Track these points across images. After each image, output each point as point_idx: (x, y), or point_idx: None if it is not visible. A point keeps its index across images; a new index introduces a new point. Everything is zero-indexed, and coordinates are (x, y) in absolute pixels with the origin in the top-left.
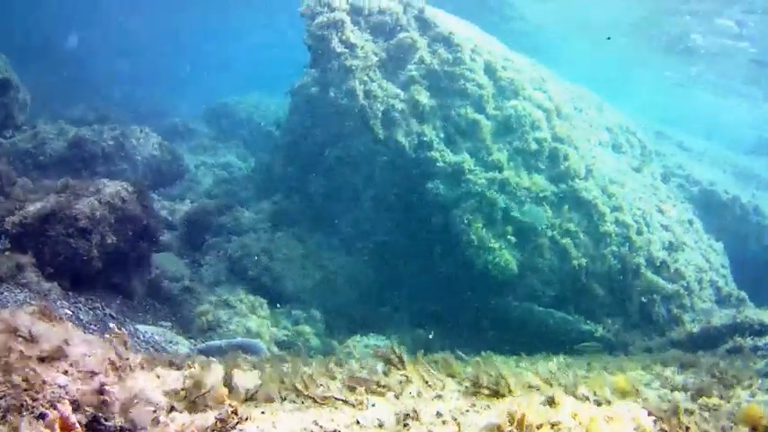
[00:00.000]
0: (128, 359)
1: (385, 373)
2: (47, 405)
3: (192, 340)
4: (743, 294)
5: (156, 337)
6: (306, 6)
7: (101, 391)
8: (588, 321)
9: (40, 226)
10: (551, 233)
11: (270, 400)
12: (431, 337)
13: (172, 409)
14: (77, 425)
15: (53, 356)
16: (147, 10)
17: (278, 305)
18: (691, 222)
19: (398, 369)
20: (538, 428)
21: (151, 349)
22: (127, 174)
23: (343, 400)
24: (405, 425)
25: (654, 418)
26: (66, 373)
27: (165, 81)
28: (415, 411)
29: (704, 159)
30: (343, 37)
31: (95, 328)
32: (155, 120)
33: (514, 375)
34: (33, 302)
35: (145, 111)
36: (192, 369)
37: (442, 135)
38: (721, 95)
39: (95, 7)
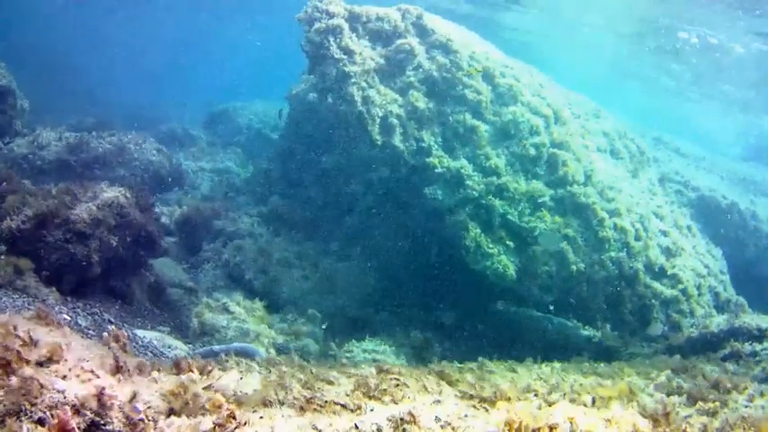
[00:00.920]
0: (126, 363)
1: (382, 378)
2: (46, 410)
3: (191, 345)
4: (741, 300)
5: (155, 342)
6: (304, 12)
7: (99, 395)
8: (586, 326)
9: (38, 231)
10: None
11: (268, 404)
12: (428, 340)
13: (170, 412)
14: (76, 429)
15: (52, 361)
16: (148, 18)
17: (276, 310)
18: (689, 228)
19: (394, 375)
20: None
21: (149, 354)
22: (125, 179)
23: (341, 405)
24: (403, 430)
25: (650, 421)
26: (64, 377)
27: (164, 88)
28: (412, 416)
29: (702, 165)
30: (342, 43)
31: (94, 333)
32: (154, 126)
33: (511, 381)
34: (31, 307)
35: (144, 117)
36: (190, 373)
37: (440, 141)
38: (706, 100)
39: (96, 17)
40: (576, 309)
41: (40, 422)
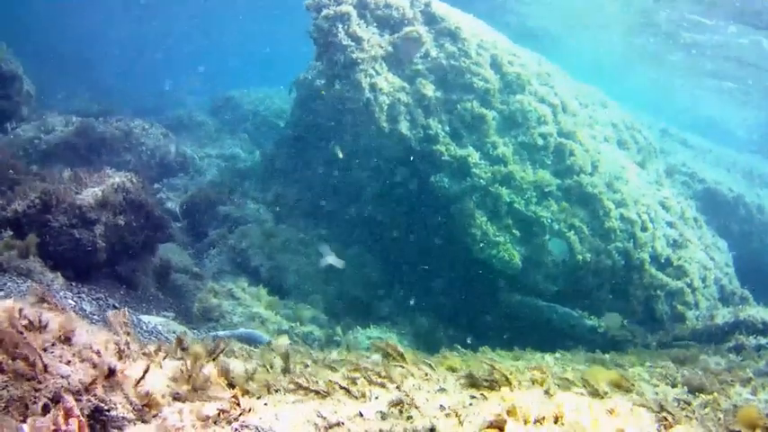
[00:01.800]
0: (131, 348)
1: (386, 366)
2: (49, 395)
3: (196, 330)
4: (746, 293)
5: (160, 328)
6: None
7: (104, 380)
8: (592, 316)
9: (43, 215)
10: (556, 228)
11: (272, 390)
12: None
13: (175, 397)
14: (80, 415)
15: (56, 346)
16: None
17: (281, 296)
18: (695, 220)
19: (398, 362)
20: (539, 422)
21: (154, 339)
22: (131, 164)
23: (345, 389)
24: (408, 417)
25: (652, 411)
26: (68, 362)
27: (171, 74)
28: (416, 403)
29: (708, 157)
30: (350, 30)
31: (99, 319)
32: (160, 112)
33: (516, 370)
34: (36, 292)
35: (150, 103)
36: (196, 358)
37: (447, 129)
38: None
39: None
40: (581, 298)
41: (45, 408)
